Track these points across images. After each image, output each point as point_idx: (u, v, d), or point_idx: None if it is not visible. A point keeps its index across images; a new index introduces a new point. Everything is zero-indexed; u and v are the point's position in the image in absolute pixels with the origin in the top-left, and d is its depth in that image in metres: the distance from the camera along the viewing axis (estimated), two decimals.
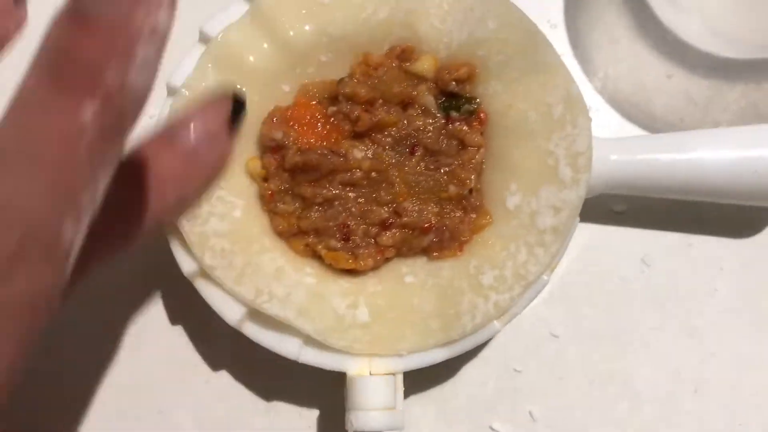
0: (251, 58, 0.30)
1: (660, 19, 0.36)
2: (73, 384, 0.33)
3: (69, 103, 0.16)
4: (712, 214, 0.34)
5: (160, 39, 0.17)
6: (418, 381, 0.32)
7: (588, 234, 0.34)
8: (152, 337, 0.33)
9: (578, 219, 0.29)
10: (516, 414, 0.33)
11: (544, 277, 0.29)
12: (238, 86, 0.29)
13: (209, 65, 0.30)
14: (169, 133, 0.22)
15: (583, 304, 0.34)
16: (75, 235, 0.17)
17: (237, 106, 0.24)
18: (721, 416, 0.33)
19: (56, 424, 0.33)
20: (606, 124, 0.36)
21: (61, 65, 0.16)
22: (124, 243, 0.21)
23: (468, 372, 0.33)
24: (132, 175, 0.21)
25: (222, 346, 0.33)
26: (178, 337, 0.33)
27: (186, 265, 0.29)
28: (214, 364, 0.33)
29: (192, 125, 0.22)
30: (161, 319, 0.33)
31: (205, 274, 0.29)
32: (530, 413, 0.33)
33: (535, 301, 0.33)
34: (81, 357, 0.33)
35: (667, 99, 0.36)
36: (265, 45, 0.30)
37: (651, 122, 0.36)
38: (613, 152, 0.31)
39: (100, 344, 0.33)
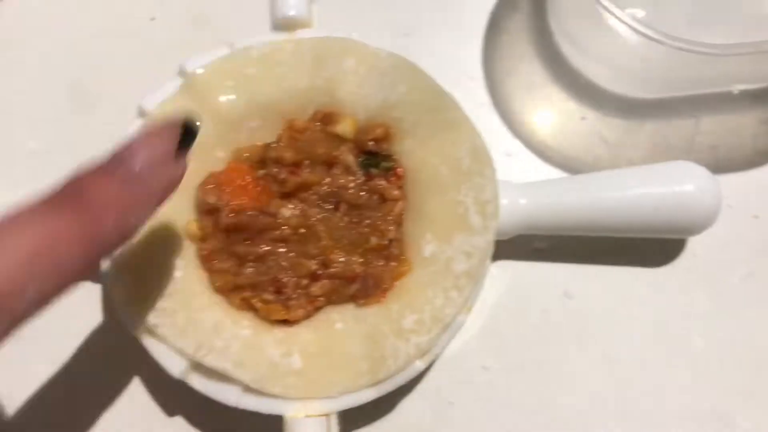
0: None
1: (572, 65, 0.39)
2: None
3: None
4: (628, 247, 0.36)
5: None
6: (357, 418, 0.34)
7: (512, 271, 0.36)
8: (106, 387, 0.35)
9: (489, 261, 0.32)
10: None
11: (460, 317, 0.31)
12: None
13: None
14: (113, 160, 0.23)
15: (510, 336, 0.35)
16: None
17: (187, 132, 0.25)
18: None
19: None
20: (526, 167, 0.38)
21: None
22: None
23: (404, 407, 0.35)
24: (69, 201, 0.22)
25: (174, 394, 0.34)
26: (134, 387, 0.35)
27: (129, 322, 0.31)
28: (168, 410, 0.35)
29: (137, 152, 0.23)
30: (115, 370, 0.35)
31: (150, 330, 0.31)
32: None
33: (466, 335, 0.35)
34: (36, 415, 0.35)
35: (582, 140, 0.38)
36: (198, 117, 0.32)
37: (567, 162, 0.38)
38: (523, 197, 0.33)
39: (56, 396, 0.35)
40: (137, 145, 0.23)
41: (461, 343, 0.35)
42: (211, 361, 0.30)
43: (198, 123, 0.25)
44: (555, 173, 0.38)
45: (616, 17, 0.31)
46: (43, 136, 0.38)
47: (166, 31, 0.41)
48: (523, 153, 0.38)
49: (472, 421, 0.35)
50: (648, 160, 0.38)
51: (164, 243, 0.32)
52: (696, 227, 0.33)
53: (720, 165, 0.38)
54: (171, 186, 0.25)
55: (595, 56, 0.38)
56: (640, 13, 0.31)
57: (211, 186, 0.32)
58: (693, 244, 0.37)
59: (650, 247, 0.36)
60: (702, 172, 0.33)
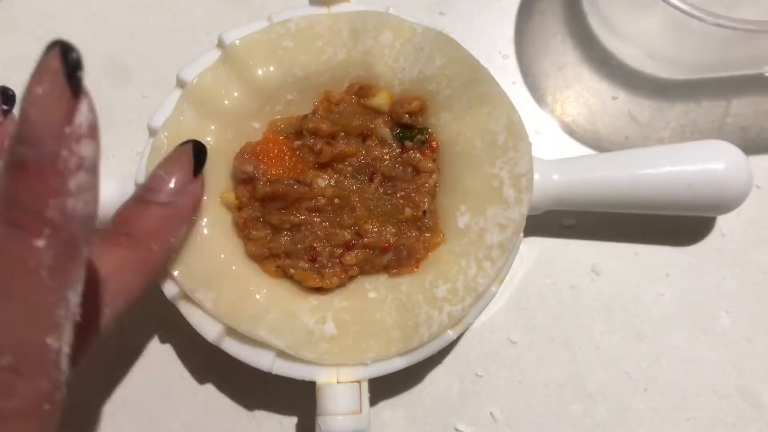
0: (224, 100, 0.33)
1: (604, 45, 0.39)
2: (67, 401, 0.35)
3: (23, 242, 0.19)
4: (656, 225, 0.36)
5: (90, 167, 0.19)
6: (387, 388, 0.34)
7: (541, 247, 0.36)
8: (143, 355, 0.35)
9: (522, 234, 0.32)
10: (479, 416, 0.35)
11: (493, 288, 0.31)
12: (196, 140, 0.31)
13: (186, 107, 0.32)
14: (145, 191, 0.28)
15: (538, 312, 0.36)
16: (60, 345, 0.20)
17: (198, 154, 0.29)
18: (671, 412, 0.35)
19: None
20: (555, 145, 0.38)
21: (11, 210, 0.19)
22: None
23: (433, 378, 0.35)
24: (121, 236, 0.26)
25: (207, 360, 0.35)
26: (167, 355, 0.36)
27: (168, 288, 0.31)
28: (200, 377, 0.35)
29: (163, 181, 0.27)
30: (151, 338, 0.36)
31: (186, 296, 0.31)
32: (492, 414, 0.35)
33: (493, 310, 0.36)
34: (74, 376, 0.35)
35: (612, 119, 0.39)
36: (236, 87, 0.33)
37: (597, 142, 0.38)
38: (555, 173, 0.33)
39: (94, 364, 0.35)
40: (162, 174, 0.28)
41: (489, 317, 0.36)
42: (245, 327, 0.30)
43: (205, 144, 0.30)
44: (584, 152, 0.38)
45: None
46: None
47: (203, 6, 0.41)
48: (554, 131, 0.38)
49: (500, 393, 0.35)
50: (678, 140, 0.38)
51: (202, 211, 0.32)
52: (727, 205, 0.33)
53: (749, 146, 0.38)
54: (196, 202, 0.29)
55: (628, 37, 0.38)
56: None
57: (248, 156, 0.32)
58: (721, 223, 0.37)
59: (678, 225, 0.36)
60: (734, 150, 0.33)
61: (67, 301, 0.20)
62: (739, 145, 0.36)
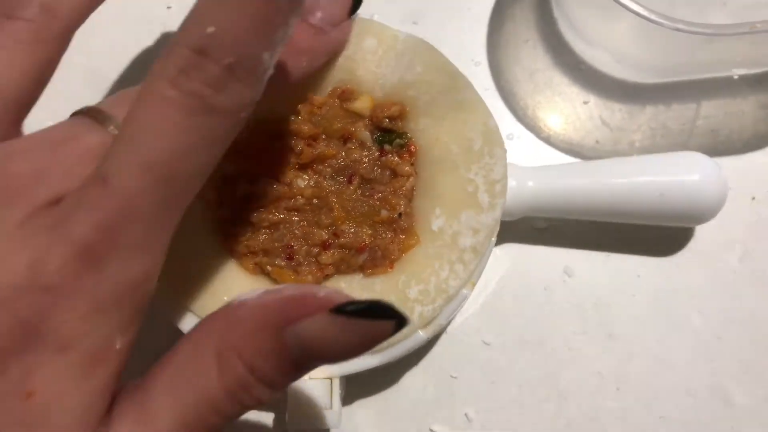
0: None
1: (574, 51, 0.39)
2: None
3: None
4: (628, 227, 0.36)
5: None
6: (362, 389, 0.35)
7: (514, 251, 0.37)
8: None
9: (495, 239, 0.32)
10: (454, 416, 0.35)
11: (464, 291, 0.31)
12: None
13: None
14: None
15: (511, 314, 0.36)
16: (269, 63, 0.21)
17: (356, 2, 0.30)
18: (643, 411, 0.35)
19: None
20: (527, 149, 0.38)
21: None
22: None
23: (408, 380, 0.35)
24: None
25: None
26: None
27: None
28: None
29: (319, 11, 0.28)
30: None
31: (166, 292, 0.31)
32: (466, 415, 0.35)
33: (468, 312, 0.36)
34: None
35: (583, 123, 0.39)
36: None
37: (569, 146, 0.38)
38: (531, 179, 0.33)
39: None
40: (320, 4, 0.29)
41: (463, 320, 0.36)
42: None
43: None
44: (557, 156, 0.38)
45: (617, 1, 0.31)
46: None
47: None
48: (526, 136, 0.39)
49: (474, 394, 0.35)
50: (649, 143, 0.38)
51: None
52: (701, 216, 0.33)
53: (719, 148, 0.38)
54: (342, 41, 0.31)
55: (598, 42, 0.38)
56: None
57: (230, 155, 0.33)
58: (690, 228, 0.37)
59: (650, 229, 0.36)
60: (709, 162, 0.33)
61: (287, 28, 0.21)
62: (709, 148, 0.36)
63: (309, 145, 0.33)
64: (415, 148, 0.33)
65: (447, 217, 0.32)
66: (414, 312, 0.30)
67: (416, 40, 0.33)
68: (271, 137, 0.33)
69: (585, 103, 0.39)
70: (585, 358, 0.35)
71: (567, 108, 0.39)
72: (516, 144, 0.38)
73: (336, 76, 0.34)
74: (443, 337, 0.35)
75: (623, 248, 0.36)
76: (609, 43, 0.37)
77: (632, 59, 0.38)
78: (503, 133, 0.35)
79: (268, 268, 0.32)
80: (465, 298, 0.32)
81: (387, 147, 0.33)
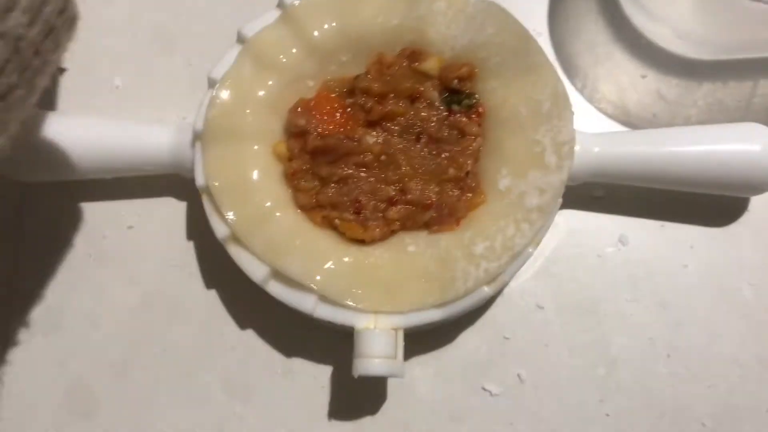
0: (282, 57, 0.33)
1: (634, 25, 0.39)
2: (109, 353, 0.35)
3: None
4: (683, 198, 0.35)
5: None
6: (419, 347, 0.35)
7: (570, 218, 0.36)
8: (186, 304, 0.36)
9: (560, 200, 0.32)
10: (506, 376, 0.35)
11: (530, 249, 0.32)
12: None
13: (246, 61, 0.33)
14: None
15: (566, 279, 0.36)
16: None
17: None
18: (692, 379, 0.34)
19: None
20: (586, 121, 0.38)
21: None
22: None
23: (463, 339, 0.35)
24: None
25: (246, 312, 0.35)
26: (211, 305, 0.36)
27: (219, 230, 0.32)
28: (240, 327, 0.35)
29: None
30: (195, 286, 0.36)
31: (236, 238, 0.32)
32: (518, 376, 0.35)
33: (523, 276, 0.36)
34: (119, 323, 0.36)
35: (641, 97, 0.38)
36: (293, 45, 0.33)
37: (626, 118, 0.38)
38: (596, 145, 0.33)
39: (137, 311, 0.36)
40: None
41: (519, 283, 0.36)
42: (289, 269, 0.31)
43: None
44: (616, 127, 0.38)
45: None
46: (128, 73, 0.39)
47: None
48: (585, 107, 0.38)
49: (526, 355, 0.35)
50: (705, 118, 0.38)
51: (254, 159, 0.33)
52: (760, 186, 0.33)
53: None
54: None
55: (658, 17, 0.38)
56: None
57: (301, 110, 0.33)
58: (745, 198, 0.37)
59: (704, 200, 0.36)
60: None
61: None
62: (765, 124, 0.36)
63: (378, 102, 0.33)
64: (483, 109, 0.33)
65: (513, 177, 0.32)
66: (480, 267, 0.31)
67: (488, 3, 0.33)
68: (341, 94, 0.33)
69: (643, 77, 0.39)
70: (636, 325, 0.35)
71: (626, 81, 0.39)
72: (575, 115, 0.38)
73: (405, 37, 0.34)
74: (498, 299, 0.36)
75: (678, 217, 0.36)
76: (670, 17, 0.37)
77: (693, 35, 0.38)
78: None
79: (336, 221, 0.32)
80: (529, 256, 0.32)
81: (455, 107, 0.33)
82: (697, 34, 0.38)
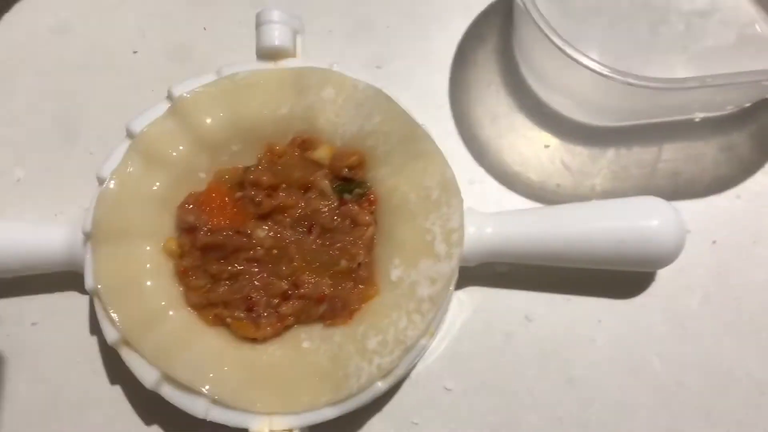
0: (171, 151, 0.32)
1: (536, 95, 0.39)
2: None
3: None
4: (588, 272, 0.35)
5: None
6: None
7: (475, 294, 0.35)
8: (91, 401, 0.35)
9: (453, 288, 0.31)
10: None
11: (422, 341, 0.31)
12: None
13: (134, 157, 0.32)
14: None
15: (472, 358, 0.35)
16: None
17: None
18: None
19: None
20: (489, 194, 0.37)
21: None
22: None
23: (371, 426, 0.34)
24: None
25: (151, 410, 0.34)
26: (115, 402, 0.35)
27: (110, 334, 0.31)
28: (146, 424, 0.34)
29: None
30: (100, 382, 0.35)
31: (126, 342, 0.31)
32: None
33: (430, 357, 0.35)
34: (23, 422, 0.34)
35: (544, 167, 0.38)
36: (183, 138, 0.32)
37: (530, 189, 0.38)
38: (490, 225, 0.33)
39: (42, 408, 0.35)
40: None
41: (425, 365, 0.35)
42: (179, 374, 0.30)
43: None
44: (518, 200, 0.37)
45: (573, 59, 0.31)
46: (30, 164, 0.38)
47: (149, 64, 0.40)
48: (488, 180, 0.38)
49: None
50: (610, 186, 0.38)
51: (144, 258, 0.32)
52: (659, 262, 0.33)
53: (681, 191, 0.37)
54: None
55: (558, 88, 0.38)
56: (604, 43, 0.31)
57: (191, 206, 0.32)
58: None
59: (609, 273, 0.36)
60: (666, 207, 0.33)
61: None
62: (670, 190, 0.36)
63: (269, 195, 0.32)
64: (375, 197, 0.32)
65: (405, 267, 0.31)
66: (373, 363, 0.30)
67: (375, 90, 0.32)
68: (231, 187, 0.33)
69: (546, 146, 0.38)
70: (546, 404, 0.34)
71: (529, 152, 0.38)
72: (477, 188, 0.38)
73: (296, 125, 0.33)
74: (405, 382, 0.35)
75: (584, 291, 0.36)
76: (569, 88, 0.37)
77: (592, 104, 0.38)
78: (464, 177, 0.35)
79: (228, 319, 0.31)
80: (424, 348, 0.31)
81: (347, 196, 0.32)
82: (597, 104, 0.38)
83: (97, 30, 0.41)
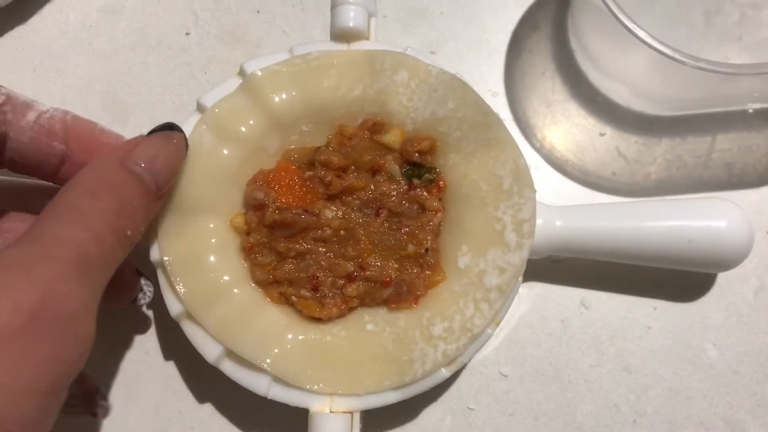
0: (241, 127, 0.32)
1: (591, 83, 0.38)
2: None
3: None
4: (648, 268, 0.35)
5: None
6: (380, 421, 0.33)
7: (531, 283, 0.35)
8: (145, 377, 0.34)
9: (521, 279, 0.31)
10: None
11: (489, 330, 0.30)
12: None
13: (204, 131, 0.32)
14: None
15: (528, 345, 0.34)
16: None
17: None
18: None
19: None
20: (544, 180, 0.37)
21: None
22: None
23: (426, 412, 0.34)
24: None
25: (206, 388, 0.34)
26: (169, 377, 0.34)
27: (174, 306, 0.31)
28: (199, 403, 0.34)
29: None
30: (152, 360, 0.35)
31: (190, 316, 0.30)
32: None
33: (487, 345, 0.35)
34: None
35: (600, 155, 0.37)
36: (254, 115, 0.32)
37: (585, 177, 0.37)
38: (558, 219, 0.32)
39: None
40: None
41: (479, 352, 0.35)
42: (244, 350, 0.29)
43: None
44: (573, 187, 0.37)
45: (637, 37, 0.30)
46: None
47: (200, 46, 0.40)
48: (543, 167, 0.37)
49: (492, 426, 0.34)
50: (664, 175, 0.37)
51: (211, 233, 0.31)
52: (727, 263, 0.32)
53: (734, 182, 0.37)
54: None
55: (614, 74, 0.37)
56: (659, 32, 0.31)
57: (260, 183, 0.32)
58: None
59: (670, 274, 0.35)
60: (736, 210, 0.32)
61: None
62: (724, 180, 0.35)
63: (338, 176, 0.31)
64: (444, 183, 0.32)
65: (473, 255, 0.30)
66: (438, 349, 0.29)
67: (450, 76, 0.32)
68: (302, 166, 0.32)
69: (601, 134, 0.38)
70: (601, 391, 0.34)
71: (584, 140, 0.37)
72: (534, 175, 0.36)
73: (367, 108, 0.32)
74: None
75: (640, 279, 0.35)
76: (625, 75, 0.36)
77: (648, 92, 0.37)
78: None
79: (293, 298, 0.31)
80: (489, 336, 0.30)
81: (416, 181, 0.32)
82: (653, 92, 0.37)
83: (149, 11, 0.40)
